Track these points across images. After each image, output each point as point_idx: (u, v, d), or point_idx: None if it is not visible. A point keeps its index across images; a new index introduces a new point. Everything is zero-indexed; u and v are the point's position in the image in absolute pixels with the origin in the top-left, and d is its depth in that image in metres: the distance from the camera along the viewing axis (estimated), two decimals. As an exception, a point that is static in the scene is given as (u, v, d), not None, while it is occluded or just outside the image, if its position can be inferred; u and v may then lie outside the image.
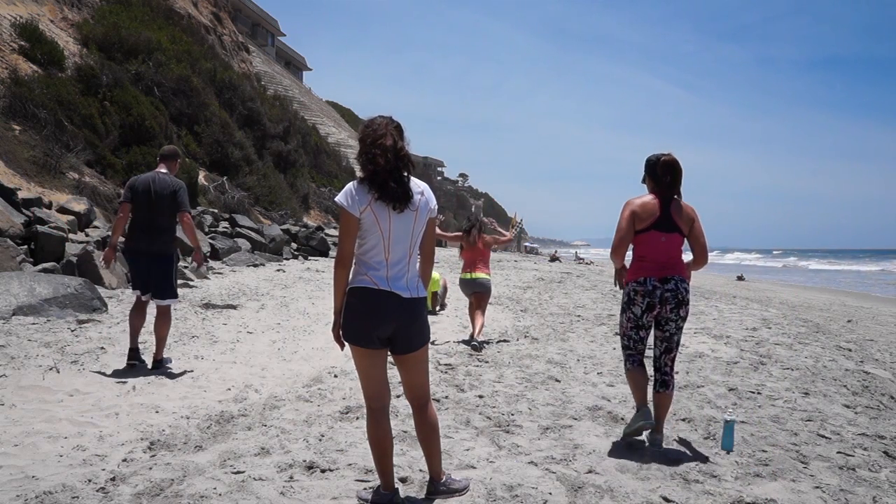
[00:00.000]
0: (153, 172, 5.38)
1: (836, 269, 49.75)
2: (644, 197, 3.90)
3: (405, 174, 2.75)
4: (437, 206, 2.92)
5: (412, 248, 2.81)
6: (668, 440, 3.99)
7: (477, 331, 6.94)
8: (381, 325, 2.74)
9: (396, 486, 2.96)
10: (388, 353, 2.89)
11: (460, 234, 7.39)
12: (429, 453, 3.00)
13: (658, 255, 3.82)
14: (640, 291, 3.83)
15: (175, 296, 5.45)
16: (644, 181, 4.01)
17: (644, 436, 3.94)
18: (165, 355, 5.42)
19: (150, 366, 5.27)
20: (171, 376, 5.11)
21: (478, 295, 7.10)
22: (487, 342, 7.08)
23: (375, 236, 2.74)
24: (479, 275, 7.08)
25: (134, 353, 5.30)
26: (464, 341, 7.04)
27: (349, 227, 2.74)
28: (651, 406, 3.89)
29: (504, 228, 8.71)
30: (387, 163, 2.68)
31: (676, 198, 3.89)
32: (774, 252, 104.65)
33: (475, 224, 7.32)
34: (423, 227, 2.85)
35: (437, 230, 7.24)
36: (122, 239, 5.53)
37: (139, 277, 5.38)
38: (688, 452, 3.80)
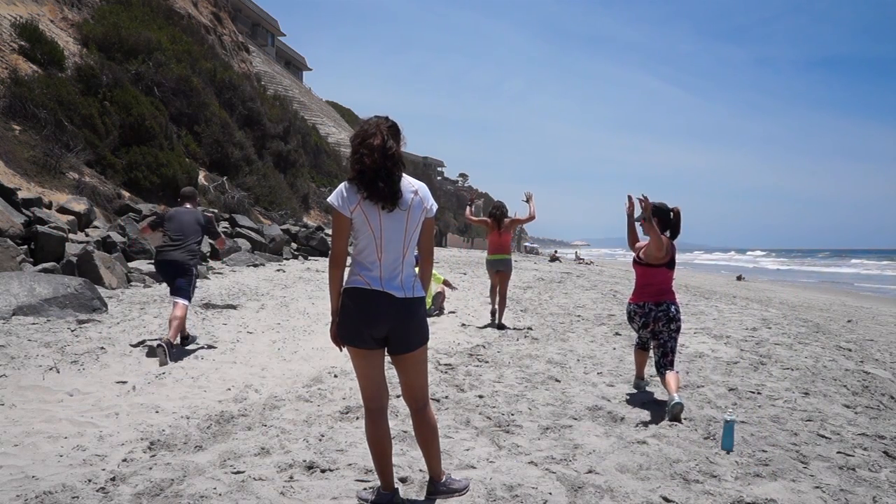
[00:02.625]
0: (182, 208, 6.48)
1: (787, 269, 50.51)
2: (666, 238, 4.70)
3: (396, 174, 2.70)
4: (434, 205, 2.86)
5: (406, 247, 2.77)
6: (669, 440, 3.99)
7: (500, 314, 8.23)
8: (375, 325, 2.72)
9: (396, 486, 2.96)
10: (386, 353, 2.88)
11: (487, 219, 8.37)
12: (428, 455, 2.99)
13: (660, 284, 4.76)
14: (638, 312, 4.81)
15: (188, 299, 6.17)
16: (644, 220, 4.65)
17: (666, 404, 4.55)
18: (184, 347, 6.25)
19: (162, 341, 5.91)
20: (180, 364, 5.49)
21: (501, 273, 8.20)
22: (505, 326, 8.15)
23: (367, 236, 2.73)
24: (504, 255, 8.25)
25: (185, 338, 6.21)
26: (489, 325, 8.19)
27: (340, 226, 2.74)
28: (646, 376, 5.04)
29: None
30: (373, 162, 2.65)
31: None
32: (748, 253, 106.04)
33: (501, 209, 8.33)
34: (418, 226, 2.80)
35: (468, 213, 8.51)
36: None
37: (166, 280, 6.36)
38: (688, 452, 3.80)
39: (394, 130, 2.76)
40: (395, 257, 2.75)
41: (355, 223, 2.73)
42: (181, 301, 5.97)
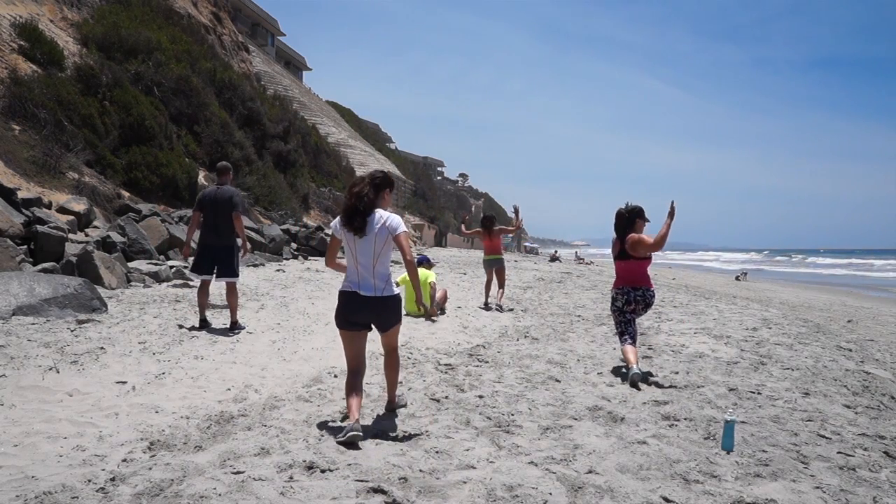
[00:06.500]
0: (214, 186, 7.06)
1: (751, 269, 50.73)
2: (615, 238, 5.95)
3: (367, 213, 3.88)
4: (399, 228, 3.91)
5: (376, 260, 3.93)
6: (669, 440, 3.99)
7: (499, 297, 10.06)
8: (355, 314, 4.00)
9: (357, 418, 3.77)
10: (369, 332, 4.12)
11: (479, 230, 10.35)
12: (388, 381, 4.36)
13: (626, 274, 5.84)
14: (620, 294, 5.83)
15: (236, 275, 7.08)
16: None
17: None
18: (240, 323, 7.17)
19: (228, 327, 7.01)
20: (218, 341, 6.30)
21: (497, 269, 10.15)
22: (502, 308, 9.94)
23: (348, 253, 4.00)
24: (497, 255, 10.23)
25: (203, 322, 6.91)
26: (486, 308, 9.88)
27: (331, 244, 4.15)
28: (631, 355, 5.54)
29: (505, 226, 10.95)
30: (351, 204, 3.91)
31: (631, 235, 5.70)
32: (711, 252, 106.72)
33: (490, 218, 10.39)
34: (386, 244, 3.93)
35: (463, 229, 11.11)
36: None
37: (207, 263, 6.96)
38: (688, 452, 3.80)
39: (377, 182, 3.95)
40: (366, 268, 3.95)
41: (343, 244, 4.02)
42: (229, 280, 6.90)
